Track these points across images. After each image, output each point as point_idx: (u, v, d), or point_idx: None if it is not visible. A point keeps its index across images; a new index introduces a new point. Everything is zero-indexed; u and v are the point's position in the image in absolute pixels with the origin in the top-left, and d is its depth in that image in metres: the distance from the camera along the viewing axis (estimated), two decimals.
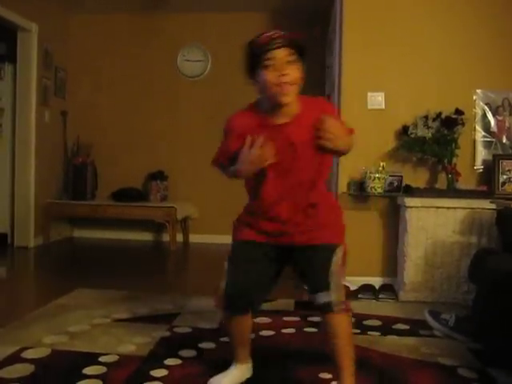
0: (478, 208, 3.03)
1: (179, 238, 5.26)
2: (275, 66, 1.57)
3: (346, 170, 3.46)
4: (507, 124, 3.42)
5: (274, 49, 1.56)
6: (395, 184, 3.34)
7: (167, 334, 2.37)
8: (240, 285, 1.69)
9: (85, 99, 5.60)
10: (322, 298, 1.60)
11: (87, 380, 1.85)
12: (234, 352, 1.88)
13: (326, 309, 1.60)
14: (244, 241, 1.76)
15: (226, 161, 1.76)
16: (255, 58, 1.59)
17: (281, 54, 1.56)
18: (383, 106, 3.44)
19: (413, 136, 3.28)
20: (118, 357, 2.06)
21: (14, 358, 2.02)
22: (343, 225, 1.78)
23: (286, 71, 1.57)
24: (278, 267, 1.78)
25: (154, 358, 2.07)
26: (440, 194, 3.20)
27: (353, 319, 2.65)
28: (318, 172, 1.72)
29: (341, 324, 1.62)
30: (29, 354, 2.06)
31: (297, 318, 2.64)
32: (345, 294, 1.64)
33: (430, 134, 3.25)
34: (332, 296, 1.59)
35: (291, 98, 1.61)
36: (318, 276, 1.64)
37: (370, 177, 3.28)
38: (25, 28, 4.73)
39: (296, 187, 1.70)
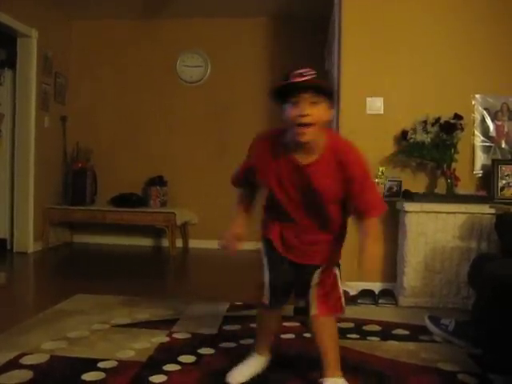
0: (478, 213, 3.03)
1: (179, 243, 5.27)
2: (298, 105, 1.59)
3: None
4: (506, 129, 3.42)
5: (301, 90, 1.58)
6: (394, 189, 3.34)
7: (166, 339, 2.36)
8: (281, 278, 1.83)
9: (84, 104, 5.61)
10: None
11: None
12: (257, 343, 1.99)
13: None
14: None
15: (242, 174, 1.87)
16: (284, 92, 1.62)
17: (305, 95, 1.59)
18: (382, 111, 3.44)
19: (412, 141, 3.28)
20: (116, 362, 2.06)
21: (13, 364, 2.01)
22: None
23: (306, 112, 1.59)
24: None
25: (153, 363, 2.07)
26: (439, 198, 3.20)
27: (352, 324, 2.66)
28: (333, 215, 1.78)
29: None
30: (27, 360, 2.06)
31: (296, 324, 2.63)
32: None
33: (428, 139, 3.25)
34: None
35: (309, 138, 1.62)
36: None
37: None
38: (25, 34, 4.75)
39: (309, 224, 1.79)
